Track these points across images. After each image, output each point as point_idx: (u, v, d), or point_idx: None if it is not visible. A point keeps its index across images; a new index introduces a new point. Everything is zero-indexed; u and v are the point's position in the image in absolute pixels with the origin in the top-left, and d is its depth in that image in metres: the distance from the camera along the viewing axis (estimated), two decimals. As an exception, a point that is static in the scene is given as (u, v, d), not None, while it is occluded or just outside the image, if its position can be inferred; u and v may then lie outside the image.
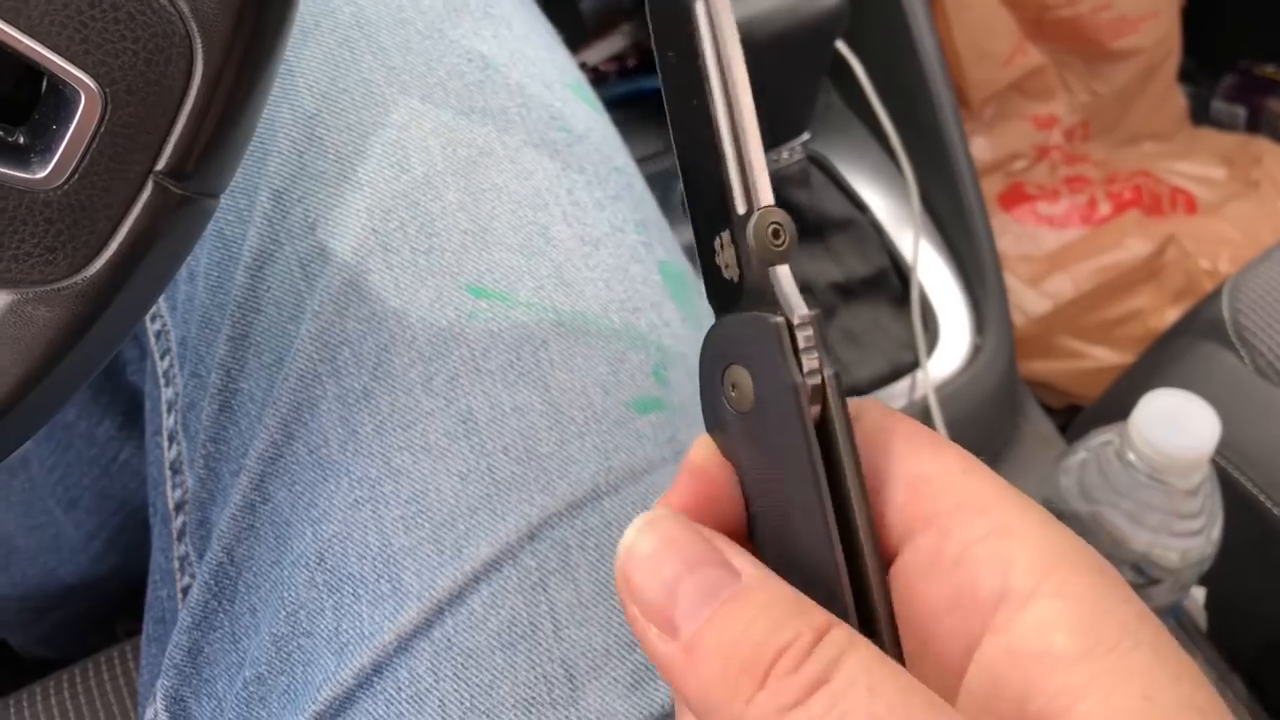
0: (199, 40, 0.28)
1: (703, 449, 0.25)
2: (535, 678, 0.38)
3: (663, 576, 0.23)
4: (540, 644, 0.38)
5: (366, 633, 0.39)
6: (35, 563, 0.72)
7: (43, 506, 0.69)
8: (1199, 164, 1.10)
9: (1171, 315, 0.94)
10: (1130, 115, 1.13)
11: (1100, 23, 1.06)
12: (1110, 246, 0.98)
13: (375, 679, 0.38)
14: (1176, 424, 0.55)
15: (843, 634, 0.21)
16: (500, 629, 0.38)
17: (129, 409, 0.62)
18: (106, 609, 0.80)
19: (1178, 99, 1.17)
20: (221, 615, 0.43)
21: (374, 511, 0.40)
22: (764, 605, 0.22)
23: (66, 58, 0.27)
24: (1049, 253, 0.99)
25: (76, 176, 0.28)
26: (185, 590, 0.46)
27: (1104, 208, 1.04)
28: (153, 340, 0.49)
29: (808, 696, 0.21)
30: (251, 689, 0.41)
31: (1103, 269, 0.96)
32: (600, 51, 0.78)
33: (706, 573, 0.22)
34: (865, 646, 0.21)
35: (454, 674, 0.38)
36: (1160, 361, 0.71)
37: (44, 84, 0.29)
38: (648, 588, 0.23)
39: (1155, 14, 1.09)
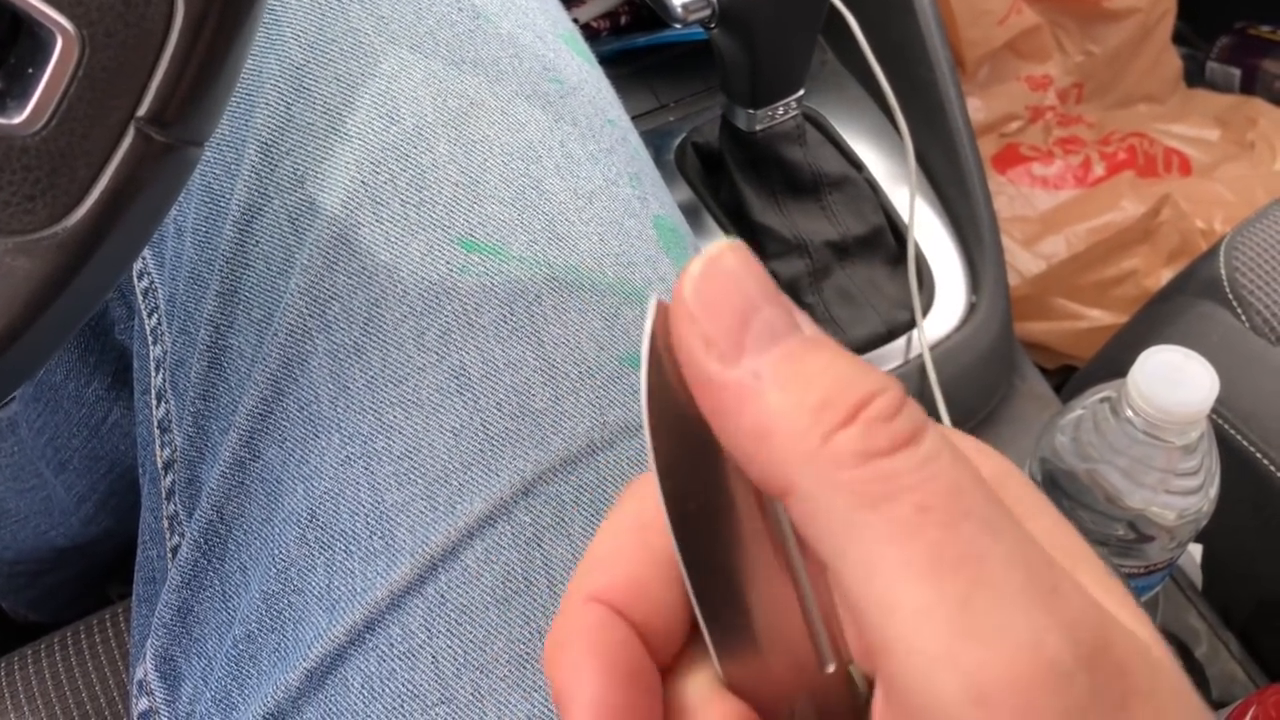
0: (181, -18, 0.28)
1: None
2: (529, 633, 0.37)
3: (737, 298, 0.21)
4: (535, 600, 0.38)
5: (358, 589, 0.38)
6: (26, 526, 0.72)
7: (32, 469, 0.69)
8: (1193, 126, 1.10)
9: (1166, 276, 0.94)
10: (1125, 77, 1.13)
11: (1096, -18, 1.05)
12: (1105, 208, 0.97)
13: (367, 635, 0.38)
14: (1174, 380, 0.55)
15: (920, 407, 0.20)
16: (494, 585, 0.38)
17: (117, 369, 0.62)
18: (99, 572, 0.80)
19: (1173, 60, 1.16)
20: (211, 574, 0.43)
21: (366, 468, 0.39)
22: (828, 361, 0.20)
23: (43, -1, 0.27)
24: (1043, 214, 0.99)
25: (54, 122, 0.28)
26: (175, 550, 0.46)
27: (1098, 169, 1.03)
28: (140, 298, 0.49)
29: (895, 451, 0.19)
30: (241, 647, 0.41)
31: (1097, 230, 0.96)
32: (593, 9, 0.77)
33: (776, 309, 0.21)
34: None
35: (447, 630, 0.38)
36: (1156, 320, 0.71)
37: (20, 29, 0.28)
38: (720, 304, 0.21)
39: (1151, -27, 1.08)
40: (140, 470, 0.49)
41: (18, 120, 0.28)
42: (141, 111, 0.28)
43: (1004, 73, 1.07)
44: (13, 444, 0.69)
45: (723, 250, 0.21)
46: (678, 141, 0.74)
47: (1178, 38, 1.19)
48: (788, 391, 0.20)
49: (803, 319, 0.21)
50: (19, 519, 0.72)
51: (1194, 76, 1.26)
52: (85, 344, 0.62)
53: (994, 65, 1.06)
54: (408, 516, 0.39)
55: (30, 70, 0.28)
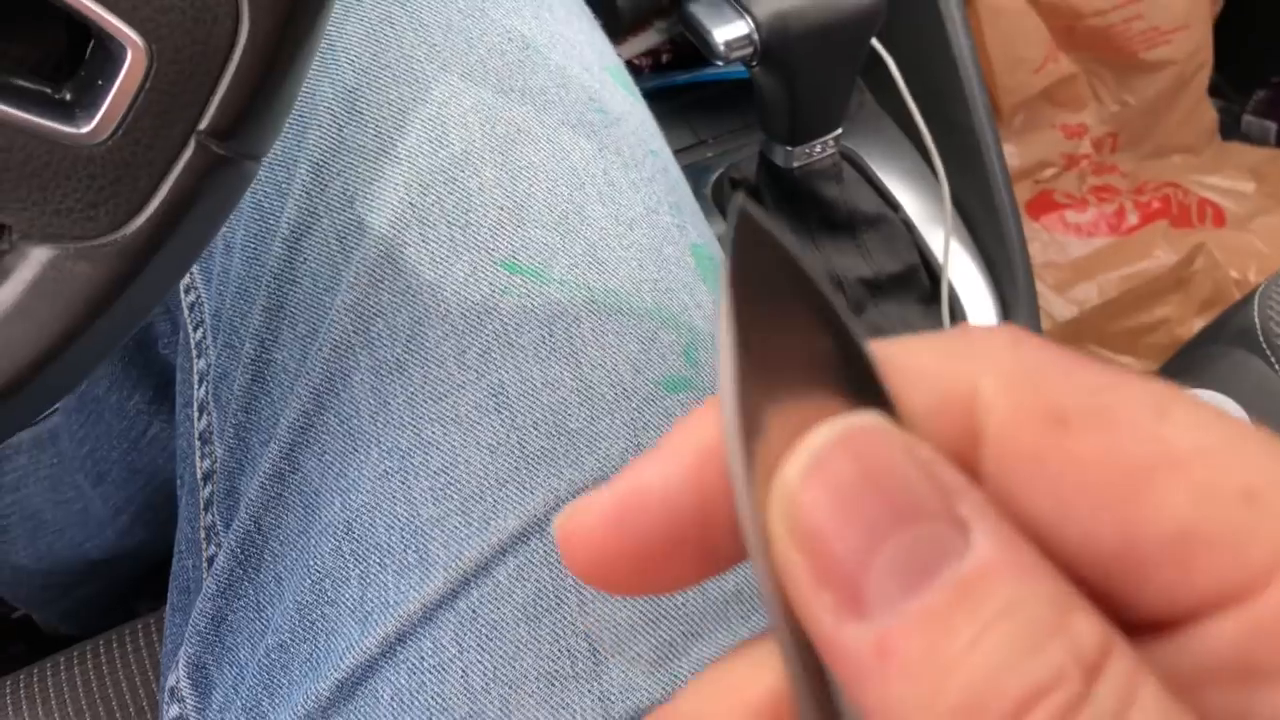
0: (246, 1, 0.28)
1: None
2: (558, 651, 0.38)
3: (858, 523, 0.15)
4: (564, 617, 0.38)
5: (391, 602, 0.39)
6: (62, 537, 0.72)
7: (71, 481, 0.69)
8: (1228, 178, 1.10)
9: (1199, 325, 0.94)
10: (1160, 128, 1.13)
11: (1132, 33, 1.05)
12: (1138, 256, 0.97)
13: (399, 648, 0.38)
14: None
15: (1126, 665, 0.14)
16: (525, 601, 0.38)
17: (159, 383, 0.62)
18: (129, 586, 0.80)
19: (1208, 113, 1.16)
20: (246, 584, 0.43)
21: (403, 482, 0.40)
22: (1008, 603, 0.14)
23: (115, 13, 0.28)
24: (1075, 260, 0.99)
25: (120, 133, 0.29)
26: (211, 559, 0.46)
27: (1132, 217, 1.03)
28: (186, 312, 0.50)
29: None
30: (274, 656, 0.41)
31: (1129, 277, 0.96)
32: (634, 46, 0.78)
33: (925, 530, 0.15)
34: (1154, 685, 0.14)
35: (478, 645, 0.38)
36: (1189, 367, 0.71)
37: (91, 41, 0.29)
38: (834, 536, 0.15)
39: (1187, 26, 1.08)
40: (179, 482, 0.50)
41: (86, 130, 0.28)
42: (203, 125, 0.29)
43: (1039, 120, 1.07)
44: (53, 455, 0.70)
45: (849, 434, 0.16)
46: (715, 177, 0.74)
47: (1213, 90, 1.19)
48: (917, 683, 0.14)
49: (973, 505, 0.15)
50: (56, 530, 0.73)
51: (1229, 129, 1.26)
52: (129, 358, 0.62)
53: (1029, 113, 1.06)
54: (442, 531, 0.39)
55: (100, 82, 0.28)
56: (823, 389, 0.16)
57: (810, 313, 0.17)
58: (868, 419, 0.16)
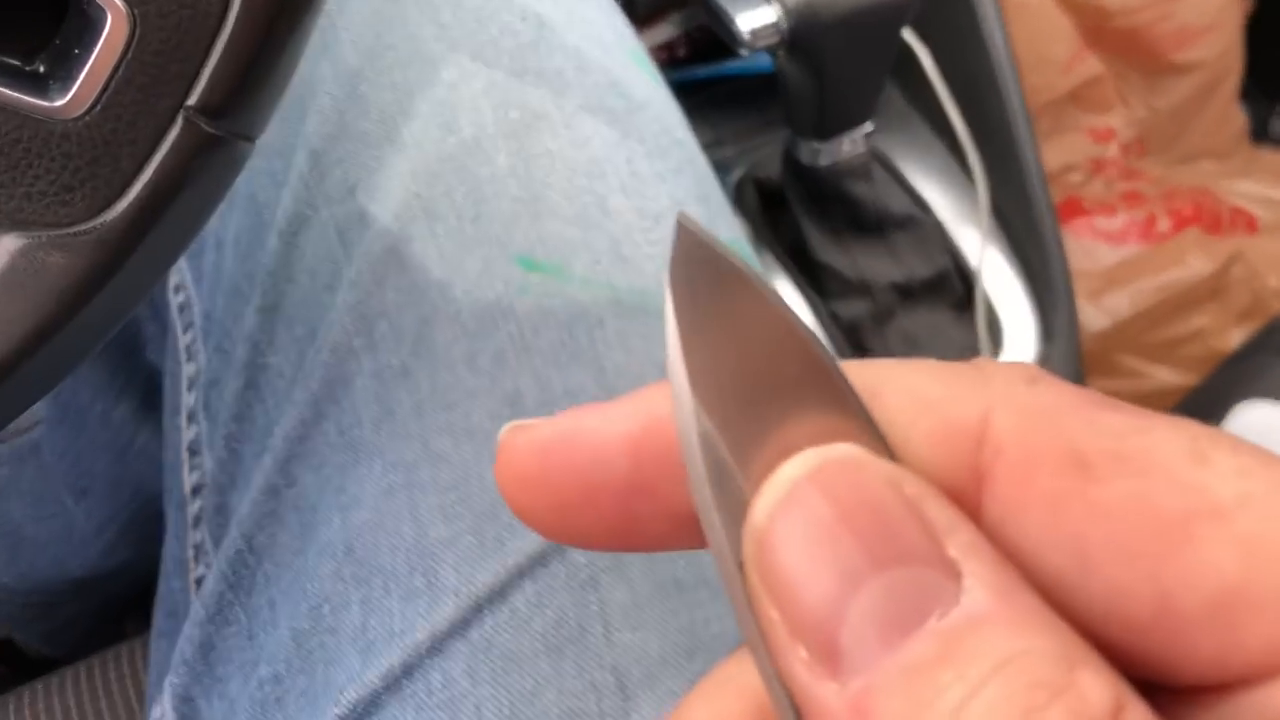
0: (239, -39, 0.27)
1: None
2: (583, 686, 0.36)
3: (832, 567, 0.14)
4: (589, 648, 0.36)
5: (397, 630, 0.37)
6: (44, 554, 0.71)
7: (53, 495, 0.68)
8: (1259, 183, 1.08)
9: (1236, 335, 0.92)
10: (1188, 132, 1.11)
11: (1161, 33, 1.03)
12: (1171, 264, 0.95)
13: (405, 681, 0.37)
14: (1273, 440, 0.52)
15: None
16: (545, 630, 0.36)
17: (147, 390, 0.60)
18: (115, 606, 0.78)
19: (1237, 117, 1.15)
20: (237, 608, 0.41)
21: (409, 499, 0.38)
22: (1004, 658, 0.13)
23: (94, -26, 0.26)
24: (1106, 268, 0.97)
25: (99, 108, 0.26)
26: (199, 581, 0.44)
27: (1163, 224, 1.01)
28: (175, 313, 0.48)
29: None
30: (267, 689, 0.39)
31: (1163, 286, 0.94)
32: (649, 39, 0.76)
33: (909, 574, 0.13)
34: None
35: (493, 678, 0.36)
36: (1237, 378, 0.69)
37: (68, 6, 0.27)
38: (803, 584, 0.14)
39: (1217, 26, 1.07)
40: (166, 497, 0.48)
41: (60, 103, 0.26)
42: (192, 100, 0.27)
43: (1065, 123, 1.05)
44: (34, 468, 0.68)
45: (820, 465, 0.14)
46: (736, 177, 0.72)
47: (1243, 95, 1.17)
48: None
49: (962, 539, 0.14)
50: (37, 547, 0.71)
51: (1259, 134, 1.25)
52: (114, 363, 0.61)
53: (1056, 115, 1.04)
54: (453, 553, 0.37)
55: (77, 51, 0.26)
56: (796, 415, 0.15)
57: (773, 333, 0.16)
58: (843, 450, 0.15)
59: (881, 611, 0.13)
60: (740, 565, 0.15)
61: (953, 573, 0.13)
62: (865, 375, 0.16)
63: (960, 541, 0.14)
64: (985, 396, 0.15)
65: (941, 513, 0.14)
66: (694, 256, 0.16)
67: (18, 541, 0.70)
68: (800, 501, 0.14)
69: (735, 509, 0.15)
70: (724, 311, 0.16)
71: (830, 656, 0.13)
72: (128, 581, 0.74)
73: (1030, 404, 0.15)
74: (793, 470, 0.14)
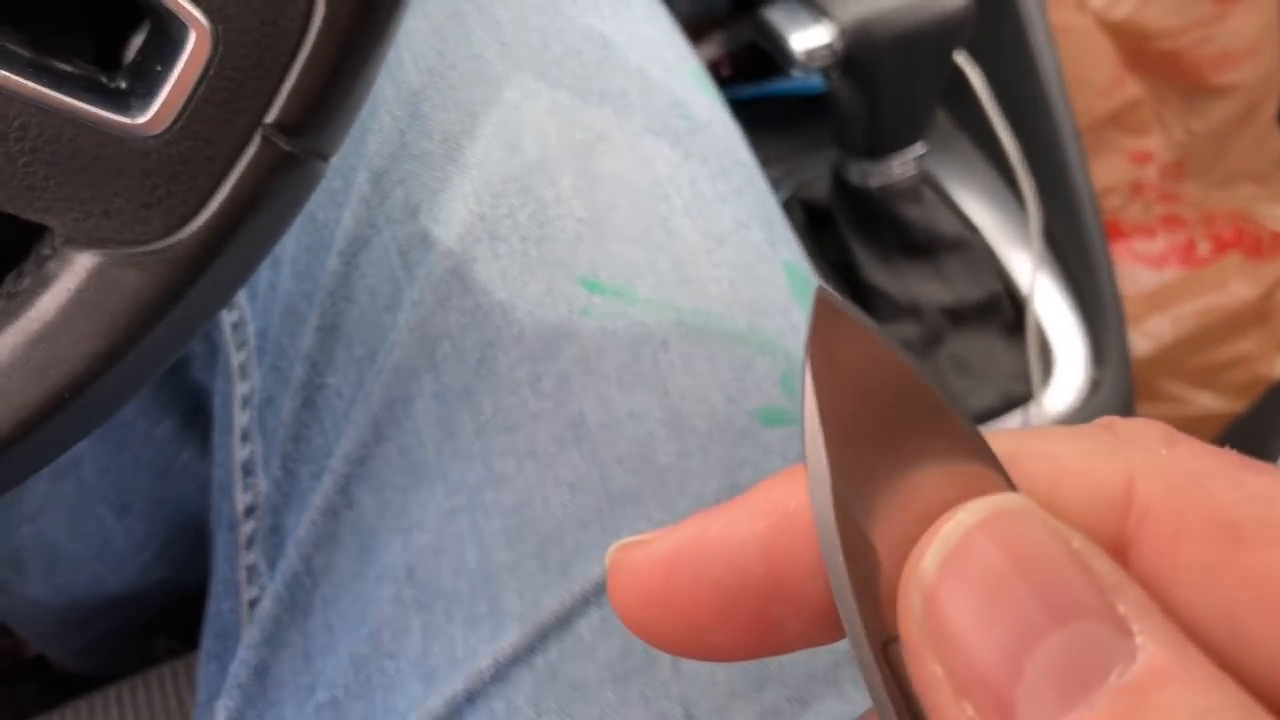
0: (319, -22, 0.26)
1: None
2: (650, 717, 0.35)
3: (1007, 623, 0.13)
4: (656, 678, 0.35)
5: (459, 657, 0.36)
6: (81, 571, 0.70)
7: (92, 511, 0.67)
8: (1298, 208, 1.07)
9: (1281, 361, 0.90)
10: (1227, 156, 1.10)
11: (1201, 56, 1.02)
12: (1212, 288, 0.94)
13: (467, 709, 0.36)
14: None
15: None
16: (611, 659, 0.35)
17: (190, 408, 0.60)
18: (147, 624, 0.77)
19: (1276, 140, 1.13)
20: (294, 631, 0.41)
21: (472, 522, 0.37)
22: (1193, 714, 0.12)
23: (177, -11, 0.25)
24: (1147, 293, 0.96)
25: (179, 124, 0.26)
26: (253, 603, 0.43)
27: (1203, 248, 1.00)
28: (228, 332, 0.47)
29: None
30: (324, 715, 0.38)
31: (1205, 311, 0.93)
32: (693, 60, 0.76)
33: (1081, 630, 0.13)
34: None
35: (558, 708, 0.35)
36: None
37: (150, 23, 0.26)
38: (975, 638, 0.13)
39: (1257, 50, 1.06)
40: (214, 517, 0.47)
41: (141, 121, 0.26)
42: (270, 117, 0.27)
43: (1105, 145, 1.04)
44: (73, 483, 0.67)
45: (992, 518, 0.14)
46: (782, 198, 0.71)
47: (1280, 118, 1.16)
48: None
49: (1133, 601, 0.13)
50: (74, 563, 0.70)
51: (1294, 159, 1.23)
52: (159, 380, 0.60)
53: (1095, 137, 1.04)
54: (516, 578, 0.36)
55: (159, 68, 0.26)
56: (938, 484, 0.15)
57: (909, 399, 0.16)
58: (1013, 500, 0.14)
59: (1060, 668, 0.13)
60: (884, 644, 0.14)
61: (1125, 629, 0.13)
62: (1001, 443, 0.15)
63: (1130, 598, 0.13)
64: (1126, 461, 0.15)
65: (1109, 568, 0.14)
66: (833, 328, 0.16)
67: (54, 557, 0.70)
68: (972, 552, 0.14)
69: (872, 587, 0.15)
70: (864, 389, 0.16)
71: (1001, 713, 0.13)
72: (160, 600, 0.73)
73: (1174, 468, 0.15)
74: (963, 519, 0.14)
